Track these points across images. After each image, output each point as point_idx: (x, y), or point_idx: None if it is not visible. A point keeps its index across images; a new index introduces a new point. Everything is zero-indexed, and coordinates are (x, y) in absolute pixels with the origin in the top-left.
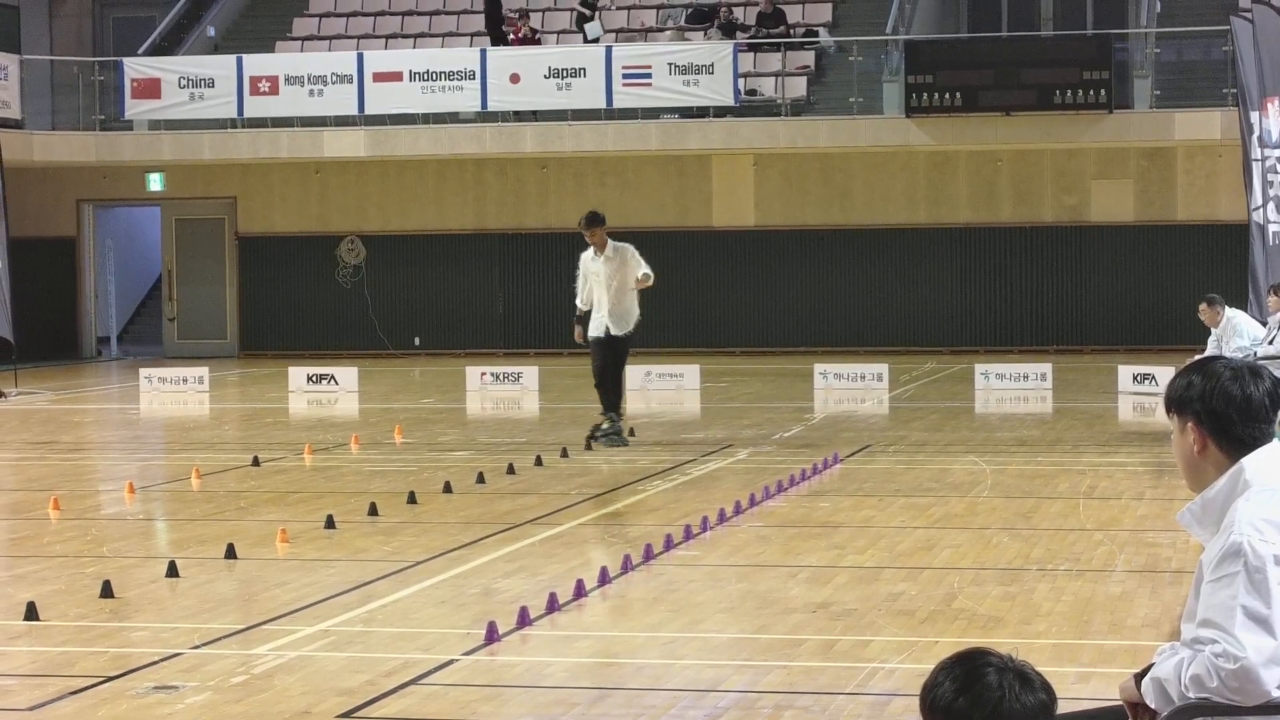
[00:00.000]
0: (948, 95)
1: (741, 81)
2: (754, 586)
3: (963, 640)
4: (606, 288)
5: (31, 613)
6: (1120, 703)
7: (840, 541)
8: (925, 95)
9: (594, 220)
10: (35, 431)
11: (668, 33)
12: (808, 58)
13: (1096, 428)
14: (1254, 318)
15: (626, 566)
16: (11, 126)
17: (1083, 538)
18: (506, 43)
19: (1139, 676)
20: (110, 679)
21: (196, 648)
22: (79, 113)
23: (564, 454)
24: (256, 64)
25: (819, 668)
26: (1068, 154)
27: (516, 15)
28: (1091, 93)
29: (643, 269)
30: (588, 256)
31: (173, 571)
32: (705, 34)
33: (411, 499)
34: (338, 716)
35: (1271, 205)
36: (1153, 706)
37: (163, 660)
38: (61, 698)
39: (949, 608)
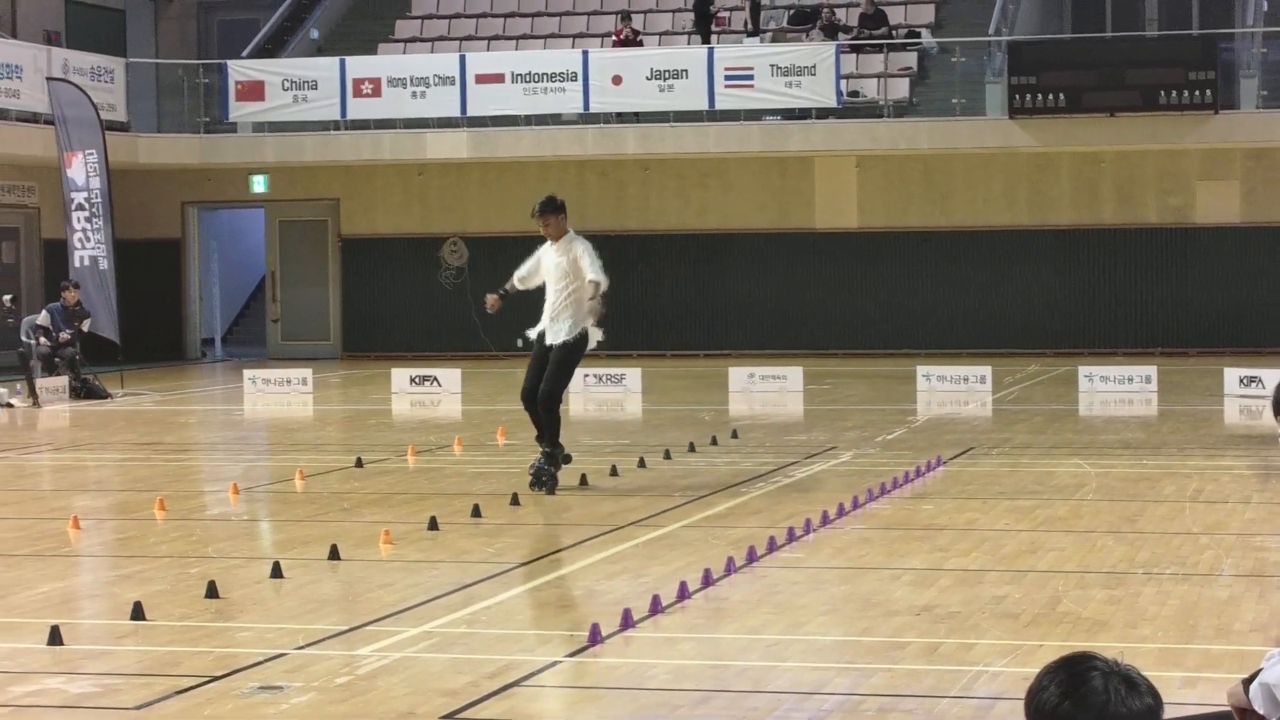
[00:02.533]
0: (1051, 96)
1: (844, 83)
2: (857, 589)
3: (1067, 644)
4: (557, 285)
5: (138, 613)
6: (1228, 708)
7: (944, 544)
8: (1028, 96)
9: (546, 208)
10: (141, 433)
11: (770, 34)
12: (910, 59)
13: (1202, 430)
14: None
15: (729, 568)
16: (117, 129)
17: (1188, 541)
18: (711, 41)
19: (1247, 682)
20: (215, 679)
21: (301, 648)
22: (183, 115)
23: (666, 456)
24: (359, 66)
25: (923, 671)
26: (1172, 155)
27: (619, 16)
28: (1197, 93)
29: (590, 274)
30: (546, 245)
31: (277, 572)
32: (807, 35)
33: (515, 501)
34: (441, 718)
35: None
36: (1261, 712)
37: (267, 660)
38: (167, 697)
39: (1053, 611)
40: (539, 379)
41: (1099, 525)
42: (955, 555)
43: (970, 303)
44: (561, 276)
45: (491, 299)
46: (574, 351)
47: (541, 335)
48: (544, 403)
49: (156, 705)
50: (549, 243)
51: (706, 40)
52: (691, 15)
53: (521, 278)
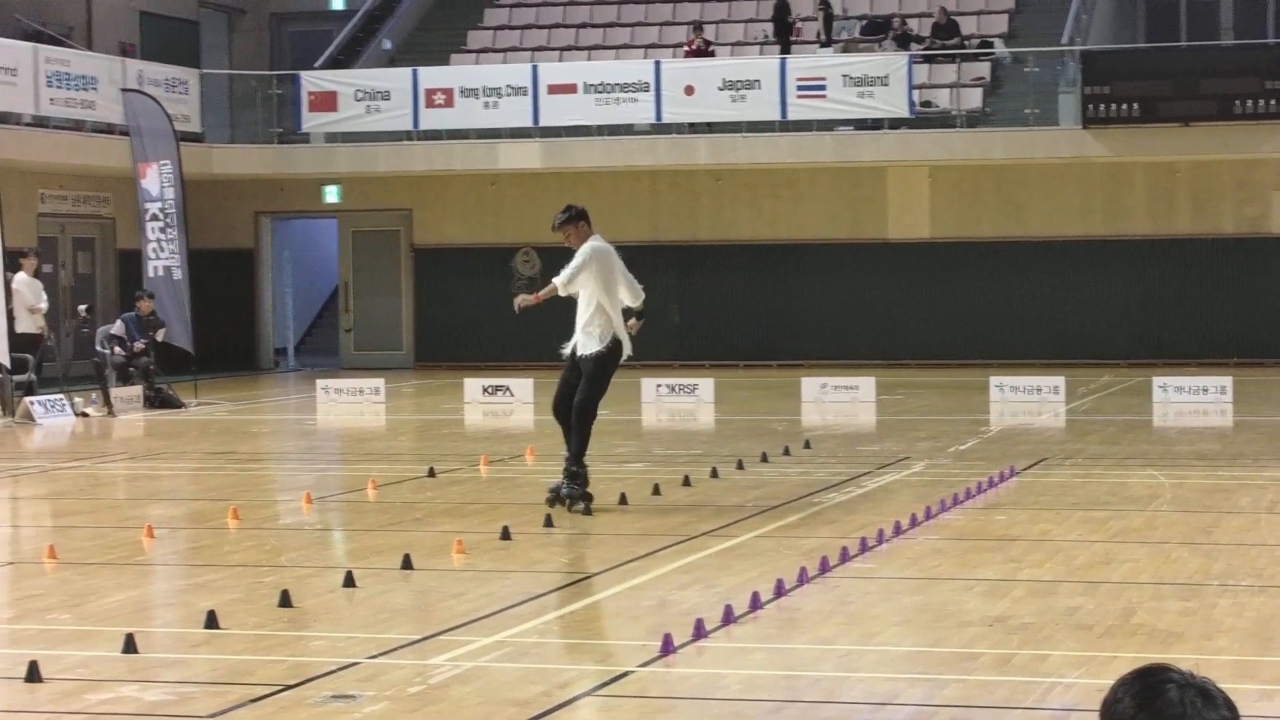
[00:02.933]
0: (1125, 106)
1: (916, 93)
2: (930, 599)
3: (1142, 656)
4: (584, 293)
5: (212, 621)
6: None
7: (1016, 555)
8: (1102, 106)
9: (563, 220)
10: (214, 442)
11: (842, 44)
12: (983, 69)
13: (1278, 442)
14: None
15: (802, 579)
16: (191, 140)
17: (1265, 553)
18: (791, 50)
19: None
20: (288, 687)
21: (373, 657)
22: (257, 126)
23: (739, 466)
24: (432, 76)
25: (996, 682)
26: (1248, 164)
27: (692, 27)
28: (1273, 102)
29: (556, 279)
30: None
31: (350, 581)
32: (880, 45)
33: (587, 511)
34: None
35: None
36: None
37: (340, 669)
38: (241, 705)
39: (1127, 623)
40: (568, 391)
41: (1173, 536)
42: (1028, 566)
43: (1044, 313)
44: (587, 284)
45: (525, 299)
46: (606, 362)
47: (574, 348)
48: (577, 413)
49: (230, 713)
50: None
51: (786, 50)
52: (766, 26)
53: (563, 282)
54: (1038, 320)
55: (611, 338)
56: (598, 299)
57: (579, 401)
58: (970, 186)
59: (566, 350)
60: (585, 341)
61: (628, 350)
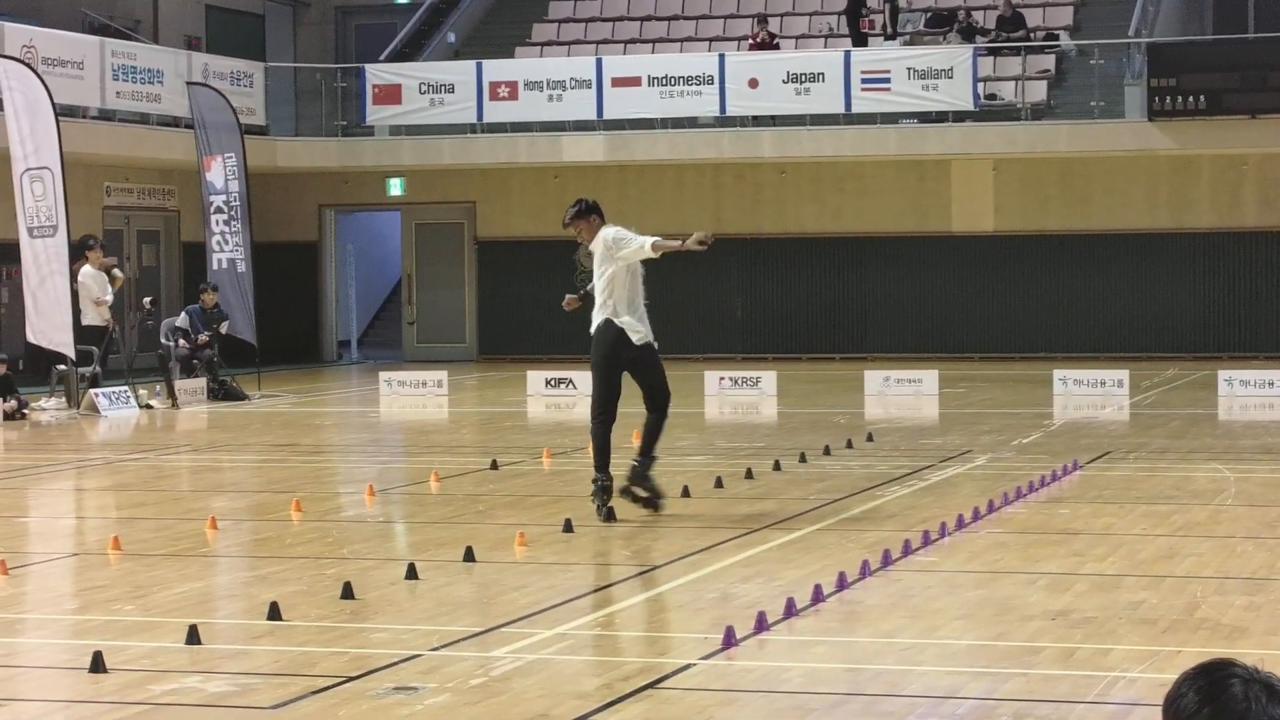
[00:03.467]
0: (1191, 98)
1: (981, 86)
2: (992, 593)
3: (1206, 651)
4: (597, 285)
5: (274, 613)
6: None
7: (1080, 549)
8: (1168, 98)
9: (574, 214)
10: (277, 434)
11: (907, 37)
12: (1048, 61)
13: None
14: None
15: (864, 572)
16: (256, 133)
17: None
18: (865, 41)
19: None
20: (351, 679)
21: (435, 649)
22: (321, 119)
23: (802, 459)
24: (496, 69)
25: (1058, 676)
26: None
27: (756, 19)
28: None
29: (631, 244)
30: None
31: (412, 574)
32: (944, 38)
33: (649, 504)
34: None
35: None
36: None
37: (402, 661)
38: (303, 697)
39: (1191, 617)
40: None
41: (1238, 530)
42: (1091, 560)
43: (1108, 306)
44: (598, 274)
45: (570, 299)
46: (593, 346)
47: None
48: (665, 408)
49: (292, 705)
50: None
51: (858, 43)
52: (830, 19)
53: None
54: (1102, 313)
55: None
56: (609, 275)
57: (664, 399)
58: (1035, 179)
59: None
60: (638, 332)
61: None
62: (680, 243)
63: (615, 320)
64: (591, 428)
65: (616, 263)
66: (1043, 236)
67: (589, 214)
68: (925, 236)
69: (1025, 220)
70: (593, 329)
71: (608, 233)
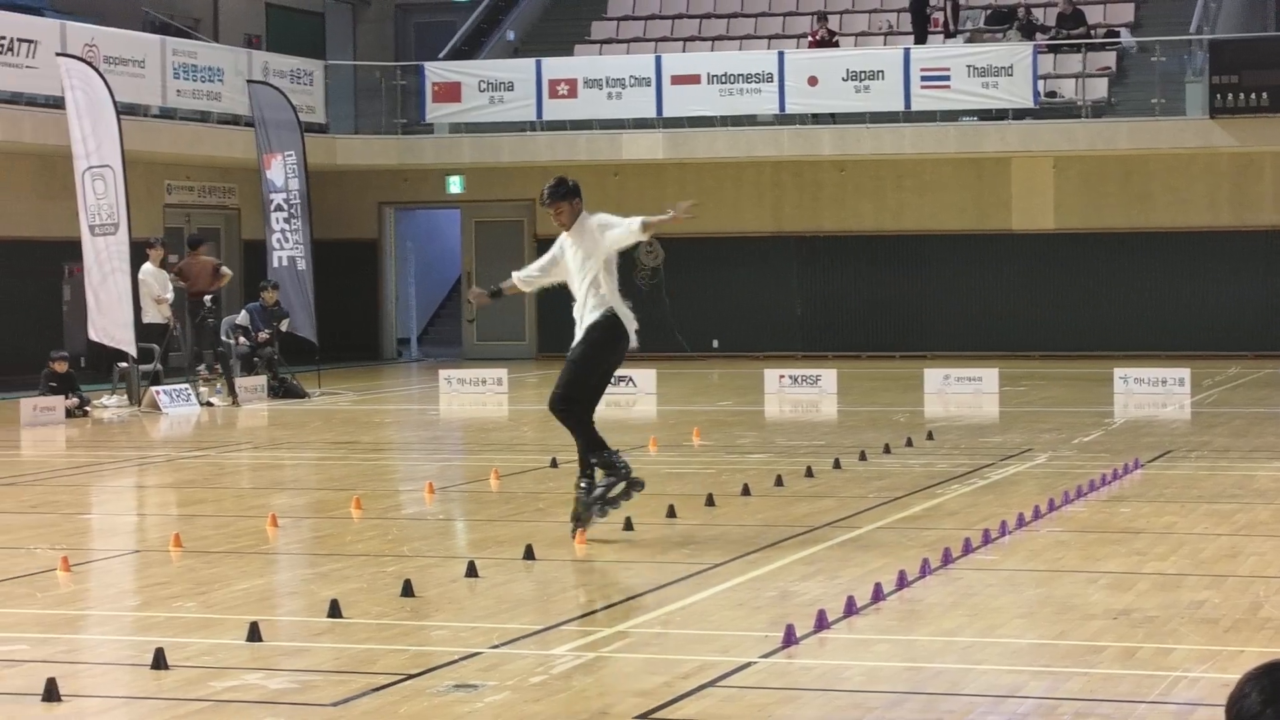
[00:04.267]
0: (1253, 95)
1: (1041, 83)
2: (1053, 592)
3: (1269, 650)
4: (579, 277)
5: (335, 610)
6: None
7: (1141, 547)
8: (1230, 96)
9: (556, 193)
10: (337, 432)
11: (967, 34)
12: (1109, 58)
13: None
14: None
15: (924, 570)
16: (316, 131)
17: None
18: (926, 39)
19: None
20: (411, 677)
21: (495, 647)
22: (381, 117)
23: (862, 457)
24: (555, 67)
25: (1119, 675)
26: None
27: (815, 17)
28: None
29: (619, 226)
30: (561, 241)
31: (472, 571)
32: (1004, 35)
33: (710, 501)
34: (635, 717)
35: None
36: None
37: (462, 659)
38: (364, 694)
39: (1254, 616)
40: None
41: None
42: (1153, 559)
43: (1169, 304)
44: (582, 265)
45: (476, 293)
46: (602, 332)
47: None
48: (555, 406)
49: (352, 702)
50: (564, 235)
51: (921, 40)
52: (890, 16)
53: (527, 278)
54: (1163, 312)
55: (608, 309)
56: (594, 273)
57: (557, 394)
58: (1095, 177)
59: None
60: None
61: (632, 329)
62: (670, 214)
63: (621, 318)
64: (571, 421)
65: (605, 250)
66: (1103, 234)
67: (571, 195)
68: (985, 234)
69: (1085, 218)
70: (589, 320)
71: (594, 217)
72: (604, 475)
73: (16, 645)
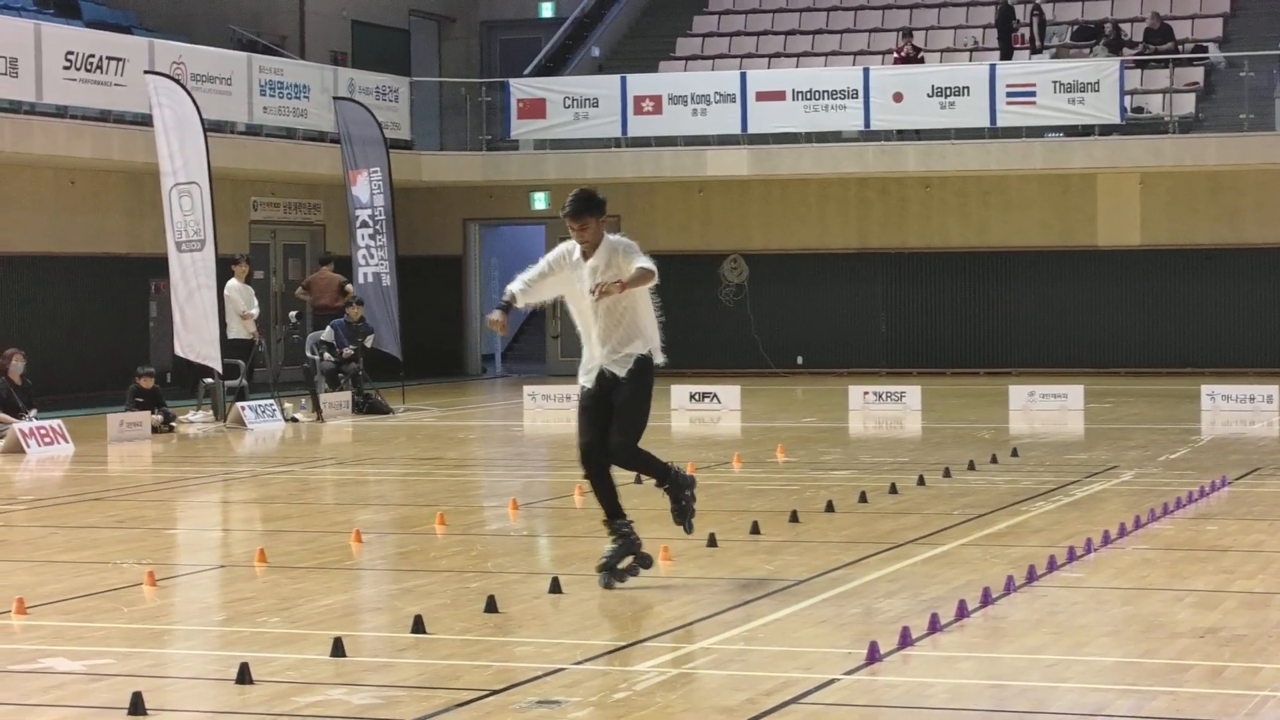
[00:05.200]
0: None
1: (1128, 99)
2: (1139, 610)
3: None
4: (593, 309)
5: (418, 626)
6: None
7: (1229, 566)
8: None
9: (587, 206)
10: (422, 447)
11: (1053, 50)
12: (1197, 74)
13: None
14: None
15: (1009, 587)
16: (401, 147)
17: None
18: (1012, 55)
19: None
20: (494, 692)
21: (579, 663)
22: (466, 133)
23: (946, 474)
24: (640, 84)
25: (1207, 694)
26: None
27: (901, 33)
28: None
29: (641, 262)
30: (569, 253)
31: (555, 587)
32: (1091, 51)
33: (794, 518)
34: None
35: None
36: None
37: (545, 675)
38: (447, 710)
39: None
40: (602, 431)
41: None
42: (1241, 577)
43: (1257, 321)
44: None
45: (496, 318)
46: (649, 374)
47: (601, 375)
48: (621, 455)
49: (436, 718)
50: (575, 253)
51: (1008, 56)
52: (975, 32)
53: (524, 289)
54: (1251, 328)
55: (648, 346)
56: (624, 305)
57: (620, 441)
58: (1183, 193)
59: (583, 378)
60: (621, 361)
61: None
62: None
63: (652, 356)
64: (636, 463)
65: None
66: (1190, 250)
67: (599, 210)
68: (1071, 250)
69: (1173, 234)
70: (633, 352)
71: (618, 240)
72: (612, 542)
73: (103, 659)
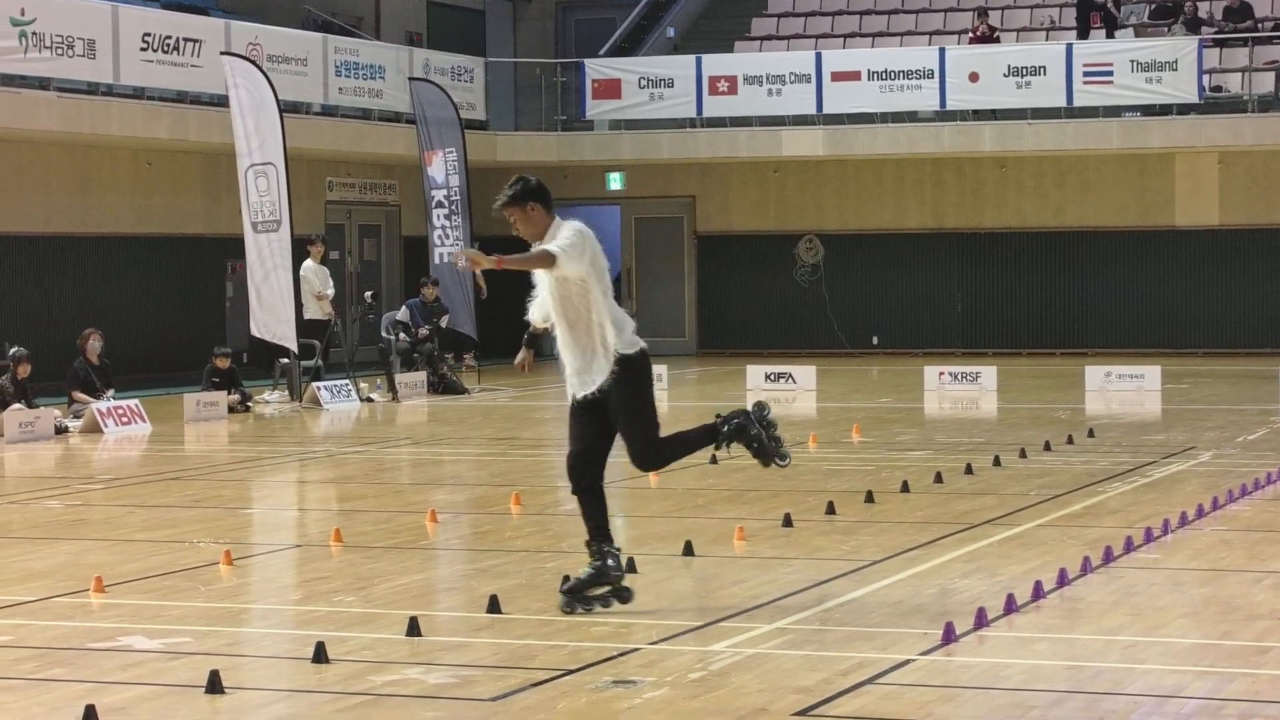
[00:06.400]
0: None
1: (1206, 78)
2: (1217, 591)
3: None
4: (559, 307)
5: (494, 606)
6: None
7: None
8: None
9: (513, 198)
10: (497, 428)
11: (1130, 29)
12: (1276, 52)
13: None
14: None
15: (1085, 568)
16: (476, 128)
17: None
18: (1088, 34)
19: None
20: (570, 672)
21: (654, 643)
22: (541, 113)
23: (1022, 454)
24: (715, 64)
25: None
26: None
27: (976, 13)
28: None
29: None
30: None
31: (631, 567)
32: (1169, 30)
33: (869, 498)
34: (793, 714)
35: None
36: None
37: (621, 655)
38: (523, 689)
39: None
40: (592, 440)
41: None
42: None
43: None
44: (560, 289)
45: (522, 359)
46: (644, 371)
47: (582, 385)
48: (646, 462)
49: (512, 697)
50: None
51: (1084, 35)
52: (1052, 11)
53: (534, 309)
54: None
55: (629, 343)
56: (585, 302)
57: (639, 448)
58: (1261, 173)
59: (576, 393)
60: (596, 369)
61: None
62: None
63: (640, 343)
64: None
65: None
66: (1269, 230)
67: (532, 198)
68: (1148, 231)
69: (1251, 214)
70: (621, 352)
71: (567, 226)
72: (590, 563)
73: (181, 637)
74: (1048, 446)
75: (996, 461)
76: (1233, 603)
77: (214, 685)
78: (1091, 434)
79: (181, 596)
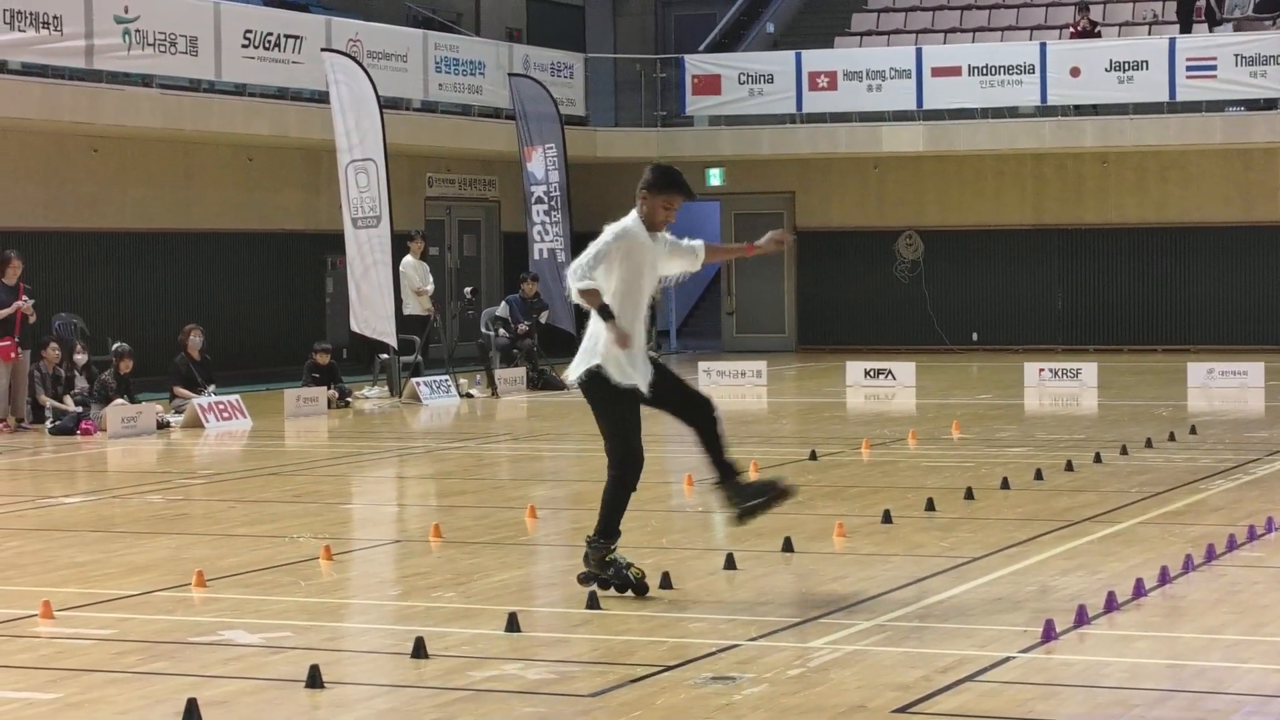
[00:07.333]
0: None
1: None
2: None
3: None
4: (647, 296)
5: (593, 602)
6: None
7: None
8: None
9: (671, 182)
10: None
11: (1234, 23)
12: None
13: None
14: None
15: (1187, 566)
16: (576, 123)
17: None
18: (1191, 28)
19: None
20: (669, 668)
21: (753, 640)
22: (641, 109)
23: (1123, 451)
24: (815, 59)
25: None
26: None
27: (1077, 8)
28: None
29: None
30: (638, 234)
31: (730, 564)
32: (1274, 23)
33: (969, 495)
34: (893, 711)
35: None
36: None
37: (720, 651)
38: (622, 685)
39: None
40: (669, 408)
41: None
42: None
43: None
44: (653, 281)
45: (616, 335)
46: (588, 394)
47: (645, 364)
48: (710, 418)
49: (611, 693)
50: (639, 230)
51: (1187, 29)
52: (1155, 5)
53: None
54: None
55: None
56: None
57: (702, 404)
58: None
59: (624, 378)
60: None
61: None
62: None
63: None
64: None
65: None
66: None
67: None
68: (1252, 226)
69: None
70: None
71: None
72: (592, 562)
73: (281, 632)
74: (1149, 443)
75: (1097, 458)
76: None
77: (314, 680)
78: (1194, 431)
79: (282, 591)
